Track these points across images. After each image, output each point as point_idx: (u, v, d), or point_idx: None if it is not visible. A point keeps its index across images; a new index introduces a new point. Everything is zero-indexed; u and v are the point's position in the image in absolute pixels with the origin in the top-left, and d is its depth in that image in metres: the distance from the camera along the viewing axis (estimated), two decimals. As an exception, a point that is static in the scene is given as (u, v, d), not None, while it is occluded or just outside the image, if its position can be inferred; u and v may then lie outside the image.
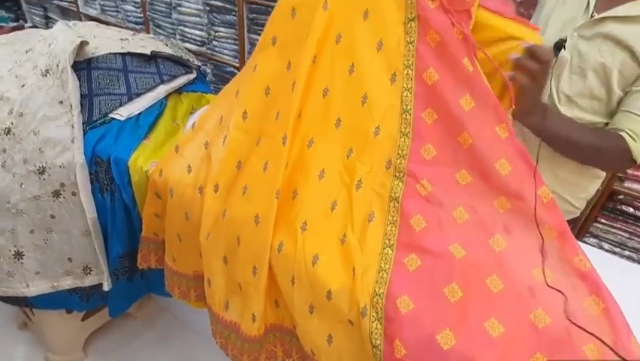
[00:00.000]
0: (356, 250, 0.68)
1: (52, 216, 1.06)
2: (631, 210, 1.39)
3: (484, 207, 0.67)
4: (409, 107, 0.72)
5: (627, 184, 1.37)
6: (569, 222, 1.03)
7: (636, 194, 1.36)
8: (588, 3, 0.86)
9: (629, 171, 1.35)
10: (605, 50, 0.82)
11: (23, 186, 1.06)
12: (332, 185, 0.75)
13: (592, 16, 0.84)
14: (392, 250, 0.67)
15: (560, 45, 0.82)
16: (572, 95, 0.87)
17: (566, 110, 0.88)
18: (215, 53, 2.23)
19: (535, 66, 0.66)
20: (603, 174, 0.99)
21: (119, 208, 1.03)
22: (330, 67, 0.76)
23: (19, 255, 1.07)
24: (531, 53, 0.66)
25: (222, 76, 2.27)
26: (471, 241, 0.65)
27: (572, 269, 0.62)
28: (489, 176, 0.67)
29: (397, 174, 0.72)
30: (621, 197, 1.39)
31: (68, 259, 1.09)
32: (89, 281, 1.13)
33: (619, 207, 1.41)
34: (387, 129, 0.73)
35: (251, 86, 0.85)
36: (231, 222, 0.81)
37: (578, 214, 1.05)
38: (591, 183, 0.99)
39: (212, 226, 0.84)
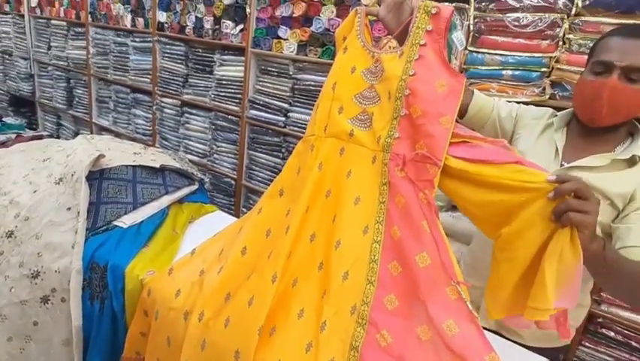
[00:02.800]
0: None
1: (35, 323, 1.03)
2: (612, 334, 1.41)
3: None
4: (376, 257, 0.78)
5: (603, 307, 1.41)
6: (561, 349, 1.04)
7: (614, 317, 1.39)
8: (557, 150, 0.96)
9: (604, 294, 1.41)
10: None
11: (12, 290, 1.05)
12: (309, 325, 0.77)
13: (562, 165, 0.95)
14: None
15: None
16: None
17: None
18: (215, 165, 2.41)
19: (587, 205, 0.67)
20: (589, 302, 1.02)
21: (107, 317, 1.02)
22: (319, 217, 0.86)
23: (-11, 366, 1.01)
24: (577, 193, 0.68)
25: (219, 186, 2.41)
26: None
27: None
28: (441, 335, 0.68)
29: (360, 320, 0.74)
30: (600, 320, 1.42)
31: (41, 372, 1.03)
32: (56, 399, 1.04)
33: (600, 330, 1.43)
34: (355, 276, 0.77)
35: (255, 226, 0.94)
36: (210, 354, 0.80)
37: (569, 343, 1.05)
38: (578, 312, 1.02)
39: (191, 355, 0.83)
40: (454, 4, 1.49)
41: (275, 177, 2.28)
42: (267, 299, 0.78)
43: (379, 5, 0.95)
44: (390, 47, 0.92)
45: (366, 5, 1.72)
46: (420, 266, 0.74)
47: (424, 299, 0.71)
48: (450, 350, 0.67)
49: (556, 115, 1.03)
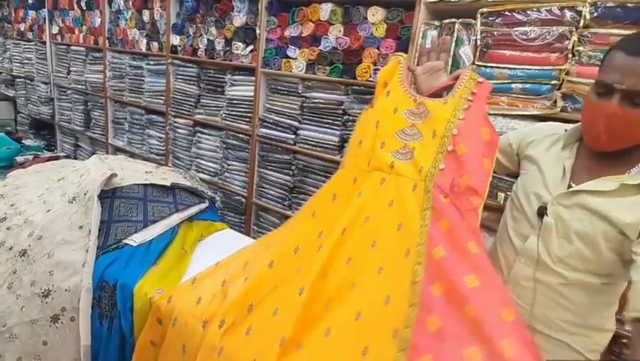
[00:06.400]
0: None
1: (45, 343, 1.03)
2: (639, 356, 1.34)
3: None
4: (418, 278, 0.79)
5: (628, 327, 1.35)
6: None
7: None
8: (564, 172, 0.90)
9: (627, 313, 1.34)
10: (586, 220, 0.84)
11: (24, 310, 1.06)
12: (339, 346, 0.76)
13: (569, 186, 0.89)
14: None
15: (542, 212, 0.89)
16: (563, 257, 0.87)
17: (561, 270, 0.88)
18: (226, 183, 2.43)
19: None
20: (613, 327, 0.96)
21: (115, 337, 1.02)
22: (357, 241, 0.88)
23: (-1, 386, 1.01)
24: None
25: (230, 204, 2.42)
26: None
27: None
28: (494, 357, 0.66)
29: (401, 344, 0.72)
30: (625, 341, 1.35)
31: (49, 392, 1.02)
32: (64, 420, 1.03)
33: (625, 351, 1.36)
34: (397, 299, 0.78)
35: (284, 243, 0.97)
36: None
37: None
38: (602, 337, 0.96)
39: None
40: (460, 20, 1.50)
41: (285, 195, 2.27)
42: (292, 310, 0.79)
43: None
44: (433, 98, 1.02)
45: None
46: (468, 287, 0.74)
47: (474, 319, 0.70)
48: None
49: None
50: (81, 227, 1.16)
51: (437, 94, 1.04)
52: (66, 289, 1.05)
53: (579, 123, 0.93)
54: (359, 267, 0.85)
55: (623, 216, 0.80)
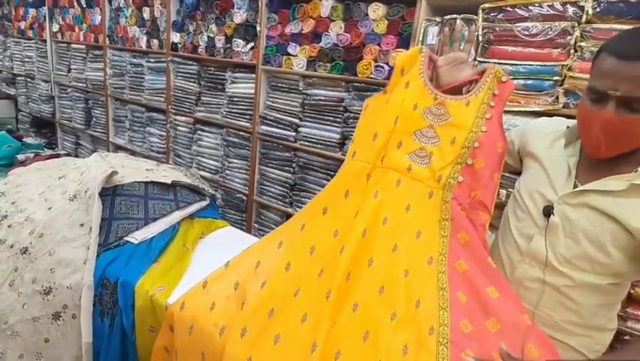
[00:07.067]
0: None
1: (47, 340, 1.04)
2: (641, 352, 1.33)
3: None
4: (445, 285, 0.82)
5: (630, 323, 1.33)
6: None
7: (641, 334, 1.33)
8: (569, 170, 0.88)
9: (630, 310, 1.34)
10: (594, 219, 0.82)
11: (25, 307, 1.06)
12: (376, 347, 0.77)
13: (574, 185, 0.86)
14: None
15: (548, 211, 0.86)
16: (569, 258, 0.86)
17: (567, 271, 0.86)
18: (226, 181, 2.42)
19: None
20: (615, 326, 0.95)
21: (117, 334, 1.02)
22: (377, 243, 0.88)
23: (1, 383, 1.01)
24: None
25: (231, 202, 2.42)
26: None
27: None
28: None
29: (441, 340, 0.76)
30: (627, 338, 1.35)
31: (51, 389, 1.03)
32: (66, 417, 1.04)
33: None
34: (427, 302, 0.81)
35: (297, 242, 0.96)
36: None
37: None
38: (604, 336, 0.95)
39: None
40: (461, 15, 1.49)
41: (286, 192, 2.25)
42: (321, 316, 0.80)
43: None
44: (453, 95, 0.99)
45: (375, 19, 1.74)
46: (492, 297, 0.80)
47: (500, 326, 0.77)
48: None
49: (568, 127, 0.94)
50: (82, 225, 1.16)
51: (459, 88, 0.99)
52: (67, 287, 1.05)
53: None
54: (383, 270, 0.85)
55: (632, 219, 0.79)
